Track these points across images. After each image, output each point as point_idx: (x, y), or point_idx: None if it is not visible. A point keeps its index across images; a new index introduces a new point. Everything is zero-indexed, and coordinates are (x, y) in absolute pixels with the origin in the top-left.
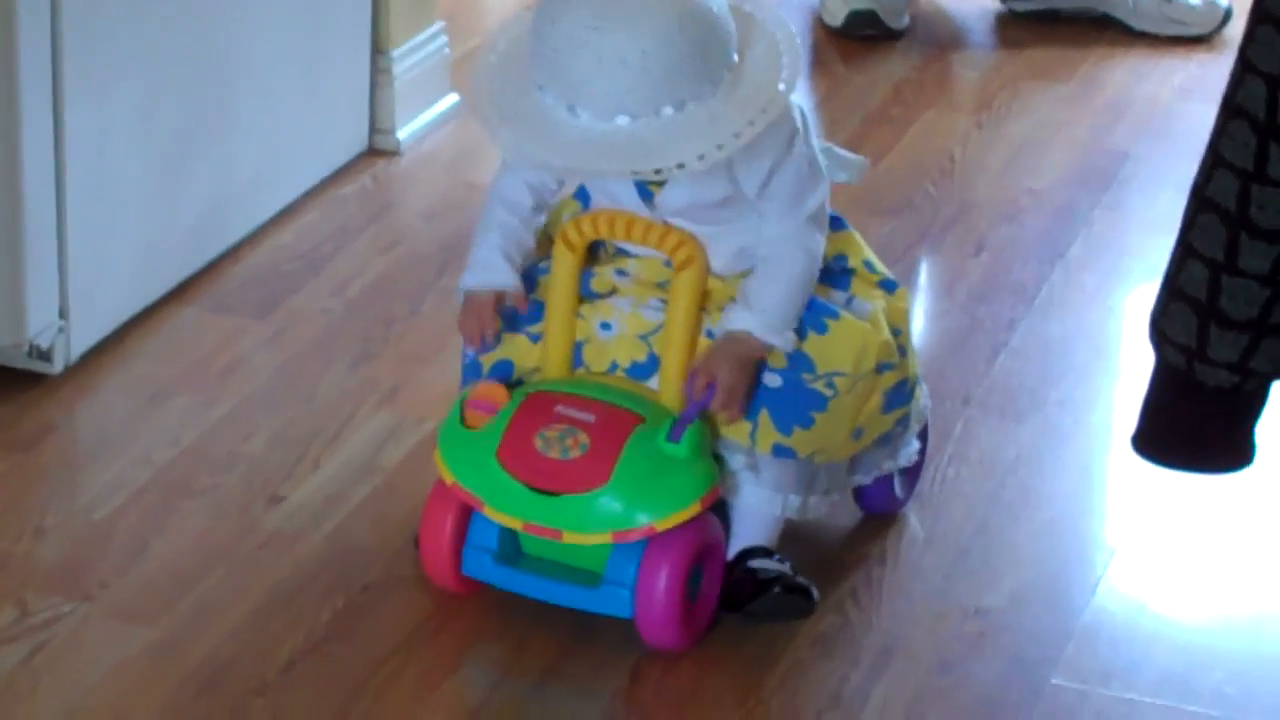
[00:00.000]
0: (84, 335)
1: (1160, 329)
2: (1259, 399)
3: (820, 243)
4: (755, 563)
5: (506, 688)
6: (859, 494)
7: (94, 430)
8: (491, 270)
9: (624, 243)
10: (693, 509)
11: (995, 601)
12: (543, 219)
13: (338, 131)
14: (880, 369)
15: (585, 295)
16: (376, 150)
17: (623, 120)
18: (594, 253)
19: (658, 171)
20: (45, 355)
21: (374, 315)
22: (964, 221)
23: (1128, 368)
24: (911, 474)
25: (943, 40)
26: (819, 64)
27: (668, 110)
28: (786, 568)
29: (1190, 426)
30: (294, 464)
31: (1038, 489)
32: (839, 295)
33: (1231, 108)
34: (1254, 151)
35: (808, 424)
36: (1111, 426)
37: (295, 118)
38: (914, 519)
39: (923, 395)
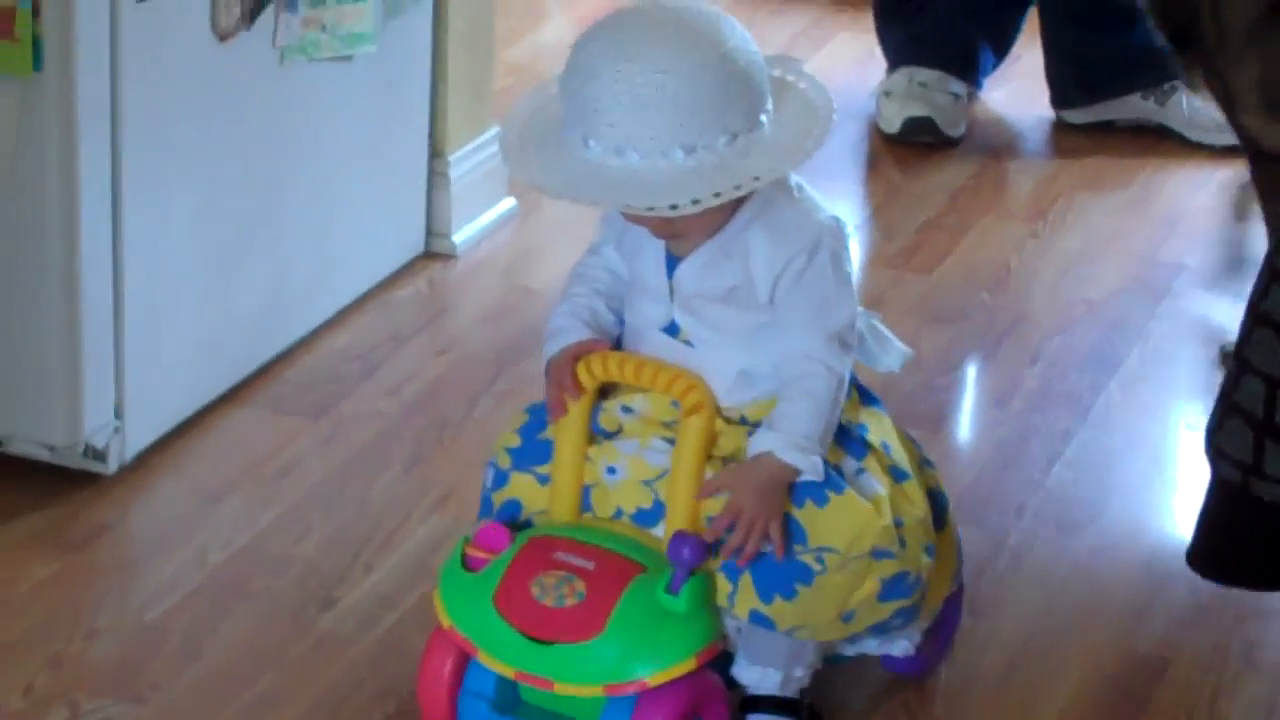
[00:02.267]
0: (139, 435)
1: (1216, 444)
2: None
3: (846, 363)
4: None
5: None
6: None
7: (147, 531)
8: (564, 334)
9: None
10: (687, 664)
11: (1049, 715)
12: (618, 304)
13: (394, 234)
14: (876, 555)
15: (593, 432)
16: (432, 253)
17: (633, 157)
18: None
19: (650, 210)
20: (100, 455)
21: (428, 419)
22: (1019, 331)
23: (1184, 481)
24: (943, 631)
25: (998, 148)
26: (874, 171)
27: (678, 154)
28: None
29: (1246, 542)
30: (347, 567)
31: (1092, 602)
32: (851, 463)
33: None
34: None
35: (790, 595)
36: (1167, 539)
37: (352, 220)
38: (968, 631)
39: (957, 565)
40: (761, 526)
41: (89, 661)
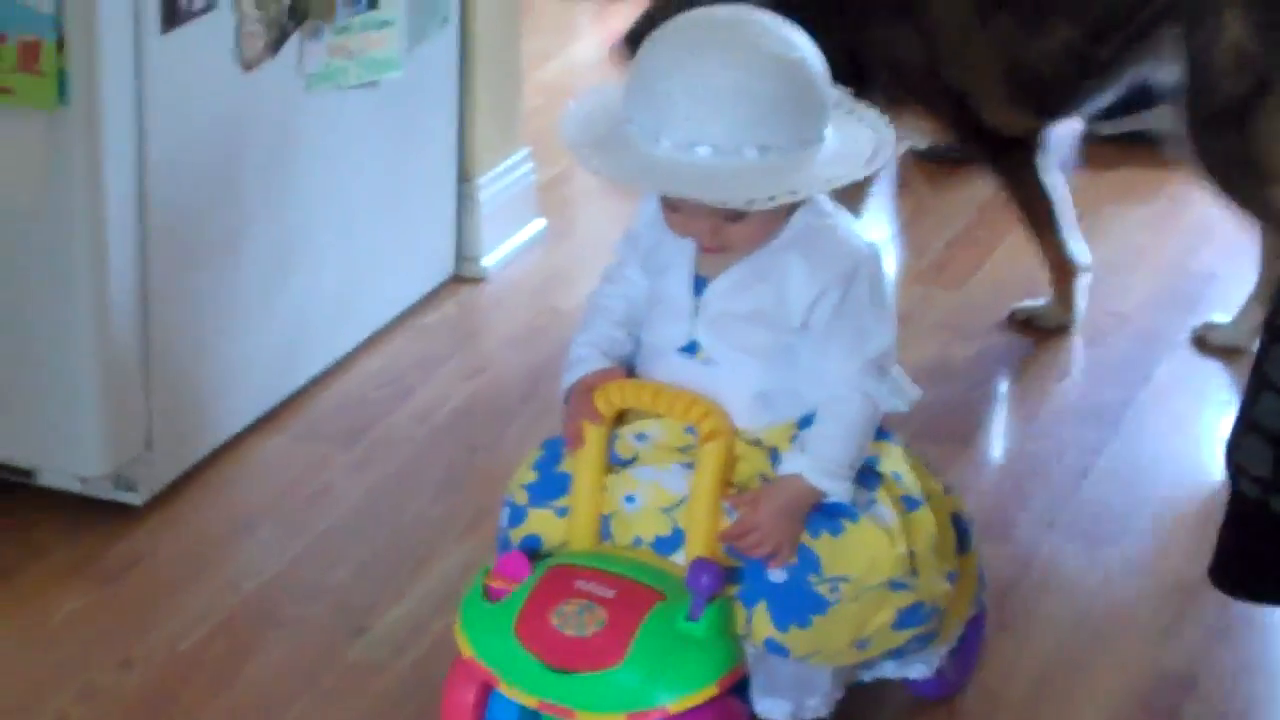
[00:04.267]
0: (169, 465)
1: (1236, 461)
2: None
3: (881, 389)
4: None
5: None
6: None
7: (179, 560)
8: (583, 364)
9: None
10: (708, 690)
11: None
12: (637, 331)
13: (424, 258)
14: (893, 586)
15: (610, 461)
16: (462, 277)
17: (704, 151)
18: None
19: (724, 203)
20: (131, 486)
21: (459, 443)
22: (1049, 345)
23: (1213, 493)
24: (966, 654)
25: None
26: (903, 186)
27: (750, 152)
28: None
29: (1267, 558)
30: (378, 594)
31: (1121, 615)
32: (863, 493)
33: None
34: None
35: (805, 624)
36: (1197, 553)
37: (382, 245)
38: (996, 646)
39: (978, 588)
40: (770, 547)
41: (122, 692)
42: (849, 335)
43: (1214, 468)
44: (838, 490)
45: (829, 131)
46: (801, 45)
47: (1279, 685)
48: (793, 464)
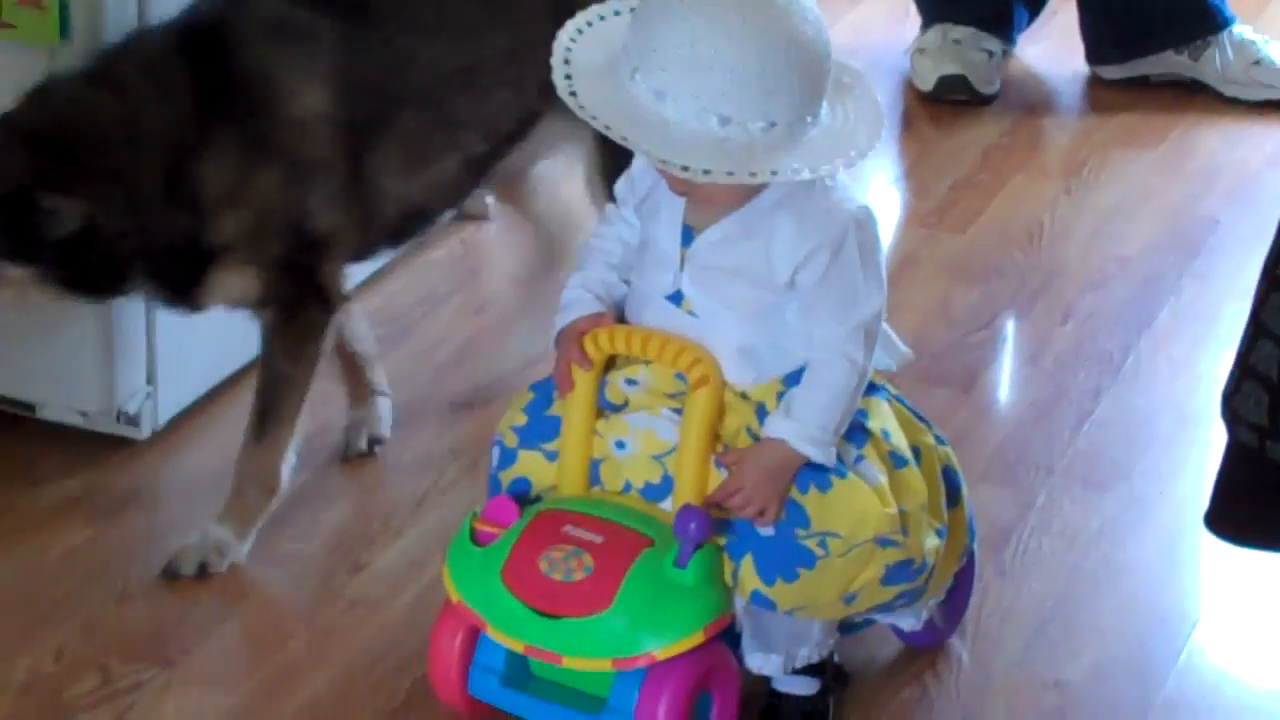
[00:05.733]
0: (171, 401)
1: (1233, 407)
2: None
3: (866, 355)
4: (780, 685)
5: None
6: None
7: (179, 496)
8: (574, 306)
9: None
10: (695, 637)
11: (1075, 674)
12: (630, 273)
13: None
14: (881, 542)
15: (600, 406)
16: (466, 214)
17: (670, 107)
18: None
19: (663, 163)
20: (132, 420)
21: (460, 380)
22: (1051, 289)
23: (1214, 438)
24: (955, 604)
25: (1033, 105)
26: (908, 128)
27: (712, 120)
28: (815, 689)
29: (1263, 505)
30: (377, 531)
31: (1120, 560)
32: (851, 450)
33: None
34: None
35: (791, 578)
36: (1196, 498)
37: None
38: (995, 591)
39: (968, 540)
40: (757, 507)
41: (120, 626)
42: (837, 299)
43: (1213, 413)
44: (822, 456)
45: (813, 118)
46: (806, 26)
47: (1276, 628)
48: (776, 428)
